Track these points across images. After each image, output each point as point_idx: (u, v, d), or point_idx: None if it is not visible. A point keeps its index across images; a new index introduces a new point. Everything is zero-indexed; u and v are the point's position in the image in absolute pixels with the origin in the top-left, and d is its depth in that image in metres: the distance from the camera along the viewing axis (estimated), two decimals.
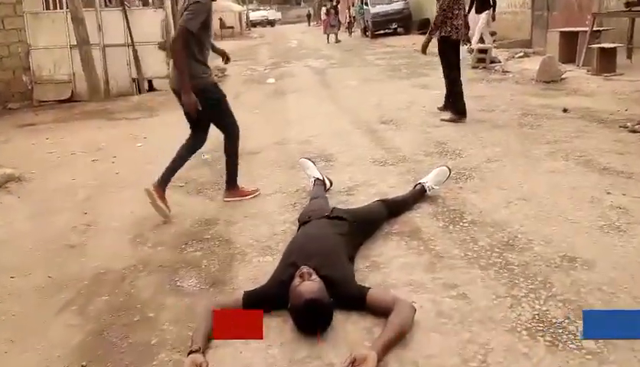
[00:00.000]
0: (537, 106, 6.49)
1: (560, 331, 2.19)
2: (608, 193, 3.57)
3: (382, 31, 21.94)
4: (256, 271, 2.95)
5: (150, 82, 10.58)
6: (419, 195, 3.69)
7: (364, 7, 23.01)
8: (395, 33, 21.81)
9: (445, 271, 2.76)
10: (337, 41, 21.72)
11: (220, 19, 31.43)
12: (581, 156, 4.40)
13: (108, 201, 4.40)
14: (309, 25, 42.39)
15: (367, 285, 2.54)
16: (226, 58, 4.13)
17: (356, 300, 2.40)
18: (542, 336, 2.17)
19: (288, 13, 61.07)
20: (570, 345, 2.11)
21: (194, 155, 4.03)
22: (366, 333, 2.29)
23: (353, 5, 28.16)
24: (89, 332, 2.53)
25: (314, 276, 2.35)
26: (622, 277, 2.55)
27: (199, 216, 3.85)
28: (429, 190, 3.71)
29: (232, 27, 34.27)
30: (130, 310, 2.69)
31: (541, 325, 2.25)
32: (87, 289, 2.94)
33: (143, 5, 12.43)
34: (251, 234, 3.47)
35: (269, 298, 2.47)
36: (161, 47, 10.37)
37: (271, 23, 51.48)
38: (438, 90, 6.64)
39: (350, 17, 27.69)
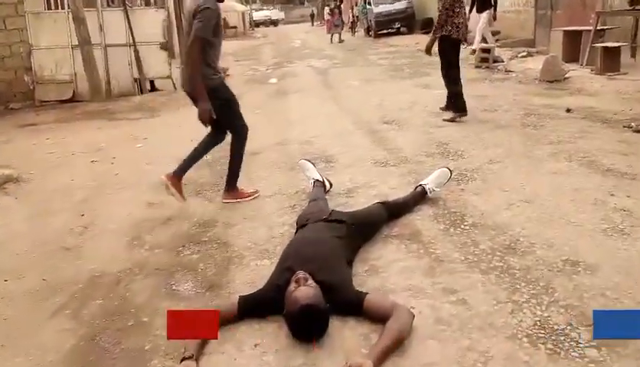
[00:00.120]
0: (540, 106, 6.42)
1: (562, 338, 2.14)
2: (612, 195, 3.51)
3: (385, 31, 21.85)
4: (253, 274, 2.90)
5: (152, 82, 10.57)
6: (420, 197, 3.64)
7: (367, 6, 22.98)
8: (398, 32, 21.73)
9: (445, 275, 2.71)
10: (341, 41, 21.68)
11: (224, 19, 31.38)
12: (584, 157, 4.34)
13: (106, 202, 4.36)
14: (313, 25, 42.25)
15: (364, 290, 2.48)
16: None
17: (353, 305, 2.36)
18: (543, 344, 2.12)
19: (291, 13, 60.98)
20: (572, 353, 2.05)
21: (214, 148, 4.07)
22: (363, 340, 2.24)
23: (356, 5, 28.07)
24: (82, 336, 2.49)
25: (310, 281, 2.30)
26: (626, 281, 2.49)
27: (197, 218, 3.81)
28: (430, 192, 3.66)
29: (235, 27, 34.32)
30: (124, 314, 2.65)
31: (543, 332, 2.19)
32: (82, 292, 2.91)
33: (145, 5, 12.40)
34: (249, 236, 3.42)
35: (265, 303, 2.44)
36: (163, 47, 10.35)
37: (274, 23, 51.50)
38: (440, 90, 6.57)
39: (353, 16, 27.60)
